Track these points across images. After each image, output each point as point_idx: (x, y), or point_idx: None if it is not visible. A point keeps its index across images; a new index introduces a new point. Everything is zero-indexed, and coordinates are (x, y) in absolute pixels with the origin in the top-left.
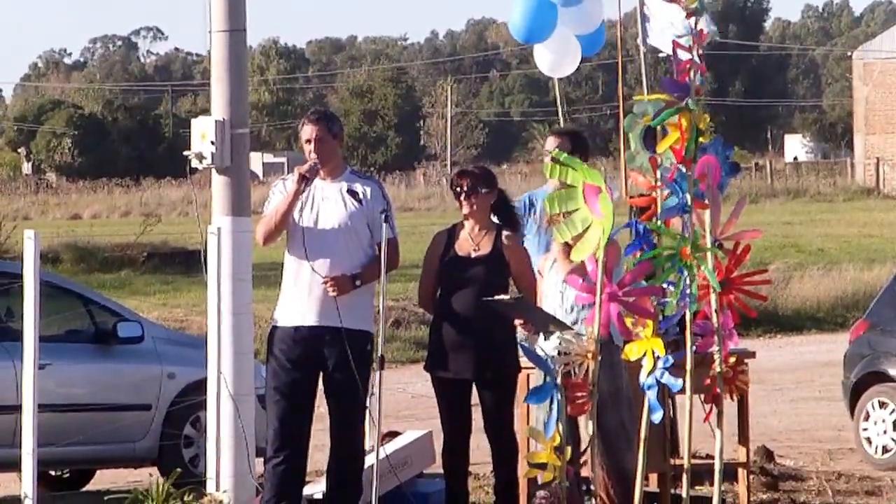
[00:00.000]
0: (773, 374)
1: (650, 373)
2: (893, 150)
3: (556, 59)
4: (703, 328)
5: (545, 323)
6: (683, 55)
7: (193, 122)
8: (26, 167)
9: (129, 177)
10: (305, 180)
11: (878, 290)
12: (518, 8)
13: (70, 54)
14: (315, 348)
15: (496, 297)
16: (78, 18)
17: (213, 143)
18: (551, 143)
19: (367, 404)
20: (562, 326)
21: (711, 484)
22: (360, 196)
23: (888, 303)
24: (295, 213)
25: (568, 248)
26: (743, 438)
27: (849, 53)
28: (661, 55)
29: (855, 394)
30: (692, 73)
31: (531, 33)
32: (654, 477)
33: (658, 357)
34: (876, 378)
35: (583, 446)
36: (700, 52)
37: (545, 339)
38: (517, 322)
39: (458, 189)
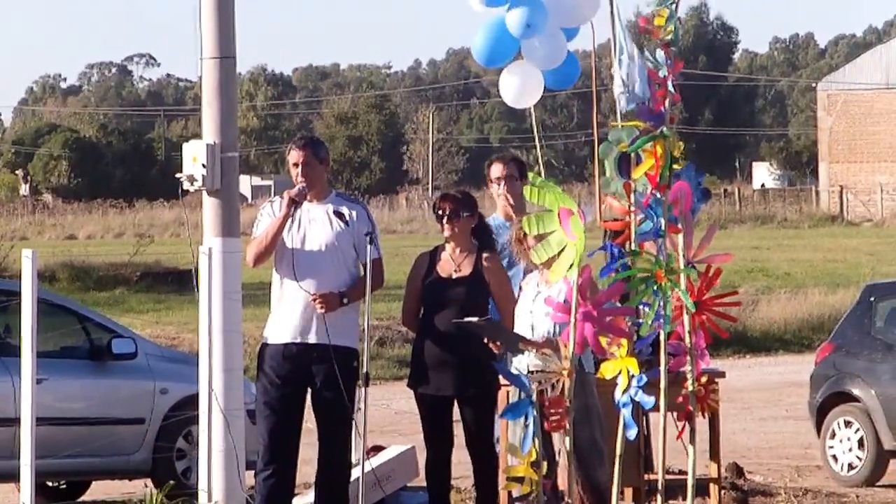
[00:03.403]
0: (742, 393)
1: (625, 391)
2: (857, 179)
3: (519, 90)
4: (676, 348)
5: (514, 342)
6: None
7: (185, 145)
8: (24, 188)
9: (122, 198)
10: (294, 204)
11: (843, 313)
12: (480, 34)
13: (66, 79)
14: (303, 365)
15: (466, 319)
16: (74, 45)
17: (203, 165)
18: (498, 169)
19: (353, 419)
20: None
21: (684, 499)
22: (347, 218)
23: (852, 325)
24: (284, 234)
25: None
26: (714, 455)
27: (813, 85)
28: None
29: (821, 413)
30: (666, 102)
31: (492, 57)
32: (629, 492)
33: (633, 376)
34: (841, 398)
35: (557, 461)
36: (674, 82)
37: (515, 357)
38: (486, 341)
39: (441, 212)
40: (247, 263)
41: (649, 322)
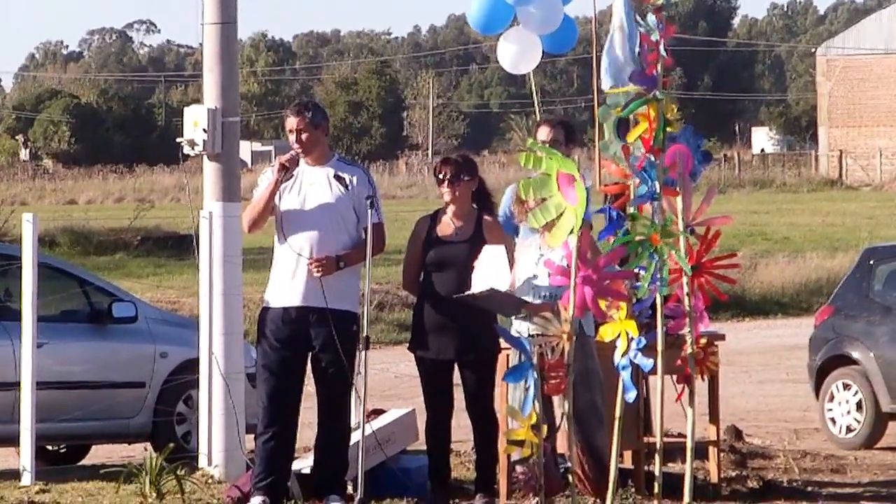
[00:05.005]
0: (741, 356)
1: (624, 353)
2: (856, 143)
3: (516, 56)
4: (675, 311)
5: (516, 307)
6: (650, 49)
7: (186, 110)
8: (24, 154)
9: (123, 164)
10: (285, 169)
11: (842, 276)
12: (475, 0)
13: (67, 46)
14: (303, 329)
15: (466, 293)
16: (75, 11)
17: (204, 130)
18: (544, 132)
19: (353, 383)
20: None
21: (683, 461)
22: (347, 182)
23: (851, 289)
24: (284, 197)
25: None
26: (713, 418)
27: (813, 50)
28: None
29: (820, 376)
30: (659, 66)
31: (488, 24)
32: (628, 454)
33: (632, 338)
34: (840, 361)
35: (557, 424)
36: (666, 46)
37: (517, 320)
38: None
39: (442, 176)
40: (242, 230)
41: (646, 285)
